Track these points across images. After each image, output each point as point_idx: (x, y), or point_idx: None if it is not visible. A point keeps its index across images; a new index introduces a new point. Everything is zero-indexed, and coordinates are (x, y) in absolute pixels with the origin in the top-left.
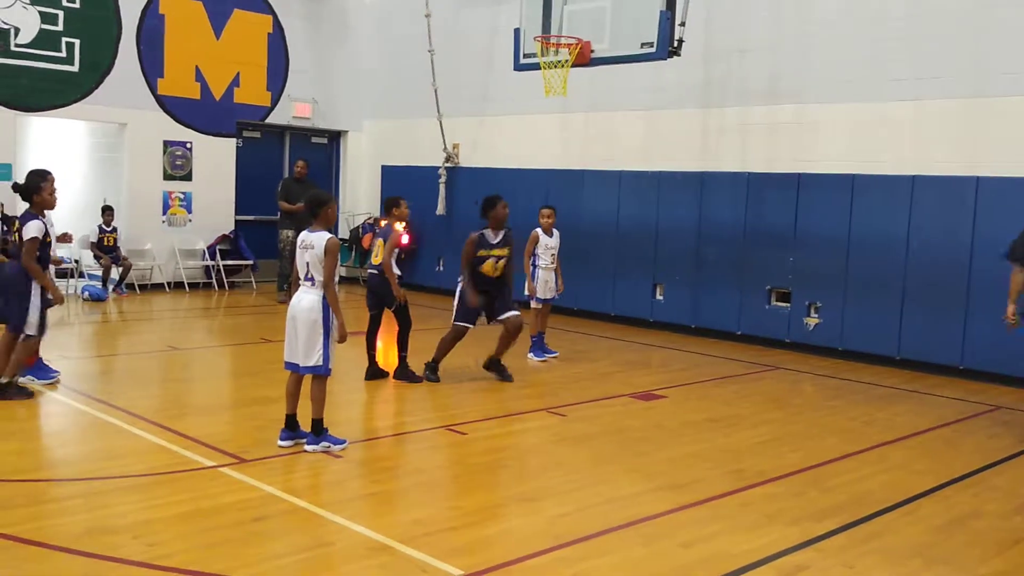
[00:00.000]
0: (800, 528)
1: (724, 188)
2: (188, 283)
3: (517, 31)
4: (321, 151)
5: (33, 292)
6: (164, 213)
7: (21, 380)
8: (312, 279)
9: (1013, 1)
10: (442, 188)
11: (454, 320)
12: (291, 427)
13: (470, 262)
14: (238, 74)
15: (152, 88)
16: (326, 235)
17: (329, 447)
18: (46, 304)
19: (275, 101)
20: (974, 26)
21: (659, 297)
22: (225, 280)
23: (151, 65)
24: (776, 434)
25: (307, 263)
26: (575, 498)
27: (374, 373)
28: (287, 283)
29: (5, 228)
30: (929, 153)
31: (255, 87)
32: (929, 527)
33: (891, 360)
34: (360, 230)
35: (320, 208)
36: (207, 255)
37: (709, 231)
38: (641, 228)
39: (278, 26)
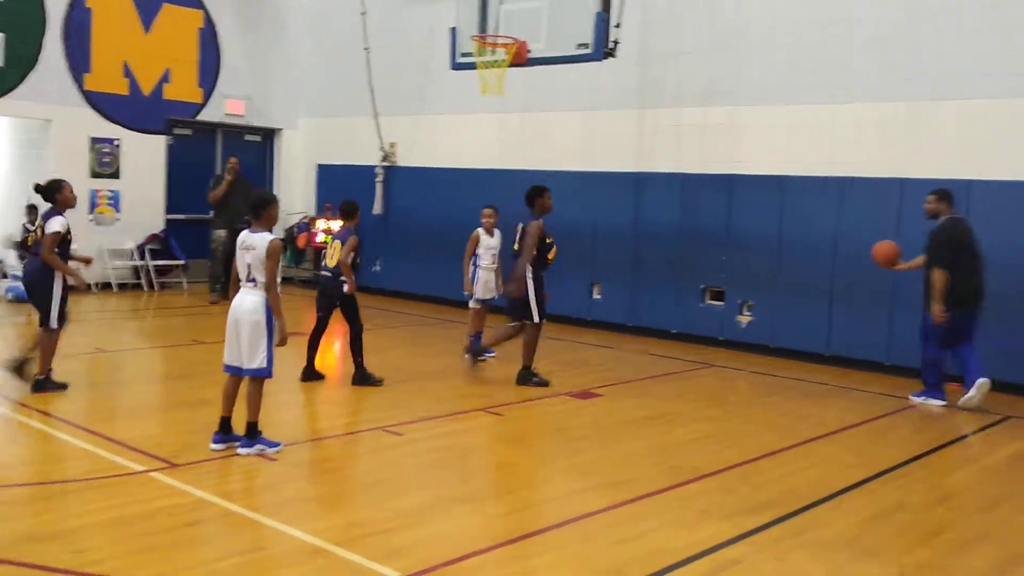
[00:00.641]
0: (733, 522)
1: (659, 189)
2: (116, 284)
3: (454, 30)
4: (255, 149)
5: (55, 286)
6: (91, 212)
7: None
8: (254, 280)
9: (942, 9)
10: (379, 187)
11: (539, 319)
12: (225, 430)
13: (540, 250)
14: (168, 70)
15: (78, 83)
16: (268, 236)
17: (263, 450)
18: (67, 295)
19: (207, 98)
20: (904, 32)
21: (596, 296)
22: (155, 281)
23: (77, 60)
24: (711, 431)
25: (248, 264)
26: (513, 497)
27: (310, 374)
28: (219, 284)
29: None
30: (857, 156)
31: (186, 83)
32: (857, 519)
33: (821, 357)
34: (295, 230)
35: (263, 209)
36: (136, 255)
37: (645, 231)
38: (578, 228)
39: (209, 21)
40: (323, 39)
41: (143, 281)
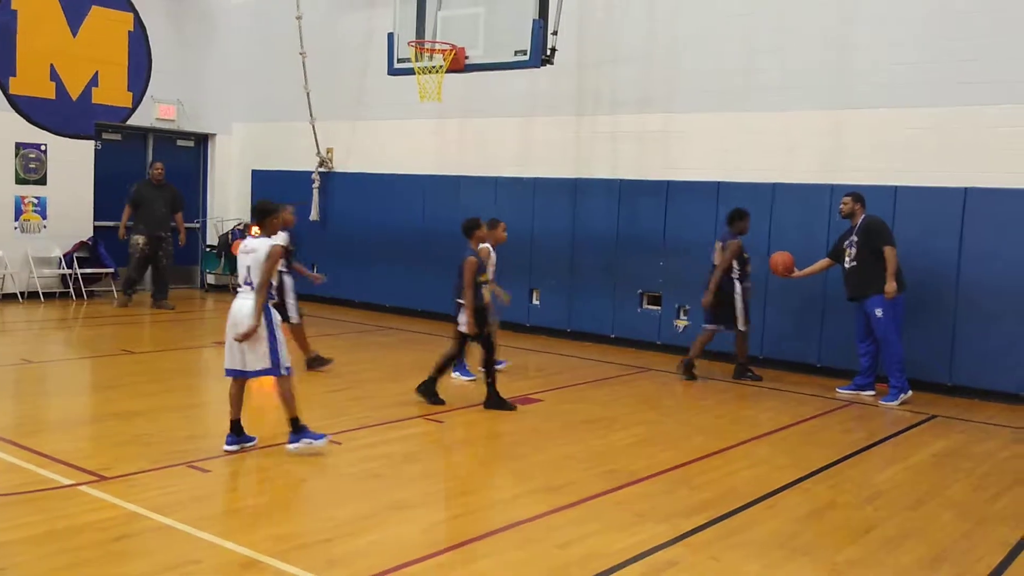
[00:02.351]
0: (670, 525)
1: (597, 194)
2: (43, 293)
3: (391, 35)
4: (187, 154)
5: (287, 289)
6: (16, 219)
7: None
8: (251, 283)
9: (871, 18)
10: (316, 193)
11: (745, 323)
12: (236, 432)
13: (742, 264)
14: (96, 73)
15: (3, 87)
16: (269, 241)
17: (310, 443)
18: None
19: (137, 102)
20: (835, 42)
21: (535, 302)
22: (83, 289)
23: (2, 63)
24: (648, 434)
25: (248, 267)
26: (452, 504)
27: (425, 388)
28: (132, 289)
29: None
30: (788, 162)
31: (115, 87)
32: (790, 519)
33: (755, 360)
34: (229, 236)
35: (267, 216)
36: (63, 263)
37: (583, 237)
38: (517, 234)
39: (140, 24)
40: (258, 43)
41: (71, 290)
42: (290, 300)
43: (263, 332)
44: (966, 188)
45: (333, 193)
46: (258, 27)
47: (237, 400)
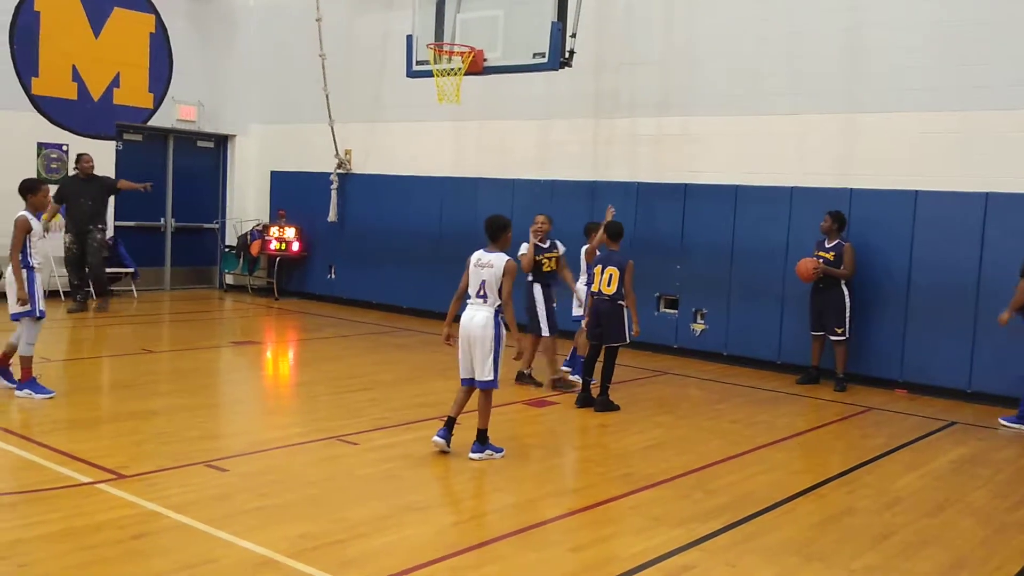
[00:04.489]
0: (686, 529)
1: (615, 197)
2: (63, 292)
3: (410, 38)
4: (207, 155)
5: (537, 300)
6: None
7: None
8: (485, 296)
9: (884, 24)
10: (334, 195)
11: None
12: (449, 427)
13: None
14: (118, 74)
15: (26, 87)
16: (504, 256)
17: (492, 455)
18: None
19: (158, 103)
20: (849, 47)
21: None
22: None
23: (25, 64)
24: (664, 438)
25: (483, 281)
26: (467, 506)
27: (585, 400)
28: (79, 293)
29: None
30: (806, 166)
31: (136, 88)
32: (807, 525)
33: (772, 364)
34: (248, 237)
35: (501, 232)
36: None
37: None
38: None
39: (161, 26)
40: (277, 45)
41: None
42: (540, 312)
43: (492, 346)
44: (987, 193)
45: (351, 195)
46: (278, 29)
47: (461, 403)
